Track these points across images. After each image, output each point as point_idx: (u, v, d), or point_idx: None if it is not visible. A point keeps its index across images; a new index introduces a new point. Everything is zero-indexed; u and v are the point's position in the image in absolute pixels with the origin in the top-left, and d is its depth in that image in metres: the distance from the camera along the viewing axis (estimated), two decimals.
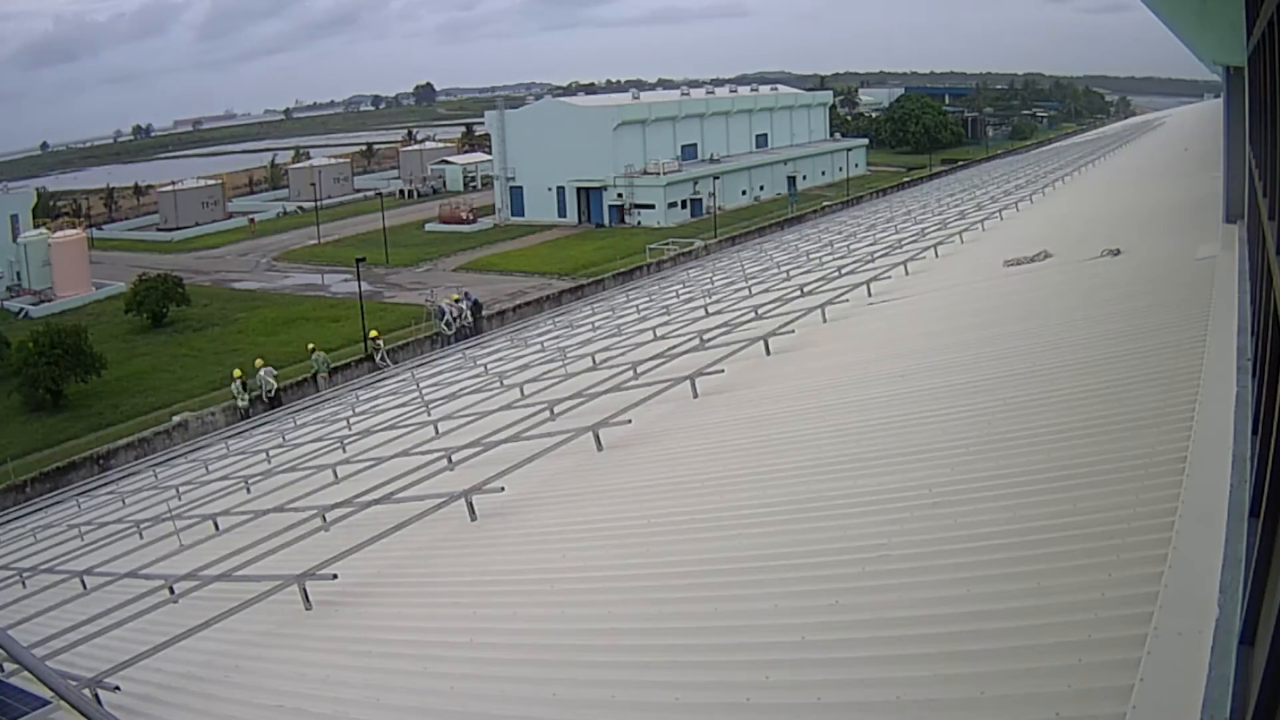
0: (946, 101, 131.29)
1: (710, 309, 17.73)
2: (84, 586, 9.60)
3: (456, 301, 35.25)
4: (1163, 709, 2.76)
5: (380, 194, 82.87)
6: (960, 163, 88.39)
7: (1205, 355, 6.00)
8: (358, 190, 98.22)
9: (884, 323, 11.67)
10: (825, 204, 69.07)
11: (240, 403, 28.45)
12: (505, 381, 15.43)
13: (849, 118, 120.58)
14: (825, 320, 12.39)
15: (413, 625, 5.76)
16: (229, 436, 21.98)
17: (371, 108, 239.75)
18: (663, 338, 15.20)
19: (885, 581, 4.20)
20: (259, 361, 30.23)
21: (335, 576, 6.47)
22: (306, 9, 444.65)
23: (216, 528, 10.51)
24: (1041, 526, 4.22)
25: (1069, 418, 5.69)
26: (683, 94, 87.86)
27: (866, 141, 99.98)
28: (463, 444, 10.22)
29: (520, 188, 74.46)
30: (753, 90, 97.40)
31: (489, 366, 19.20)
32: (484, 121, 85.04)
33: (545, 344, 20.78)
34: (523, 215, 73.83)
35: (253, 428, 22.73)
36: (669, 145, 75.61)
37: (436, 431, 12.54)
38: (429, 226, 73.98)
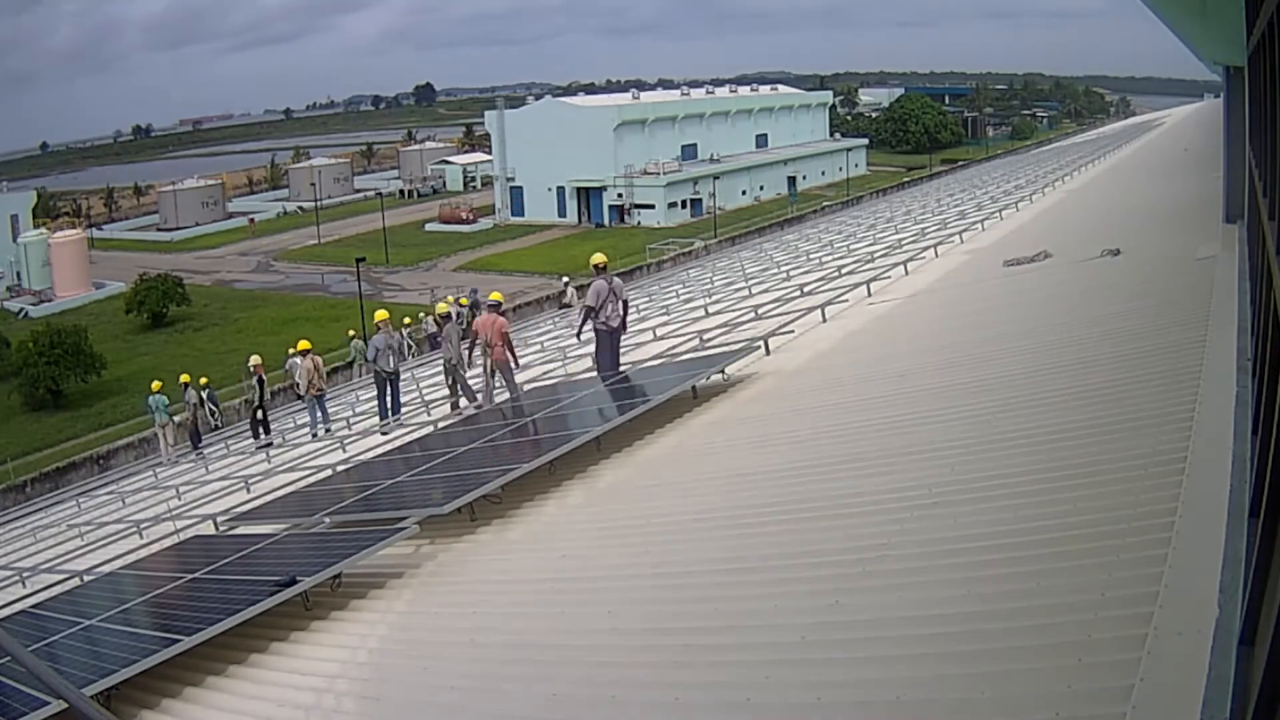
0: (946, 101, 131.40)
1: (710, 309, 17.75)
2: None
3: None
4: (1163, 709, 2.75)
5: (380, 194, 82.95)
6: (960, 163, 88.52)
7: (1205, 355, 5.98)
8: (358, 190, 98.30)
9: (884, 323, 11.66)
10: (825, 204, 69.15)
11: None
12: None
13: (849, 118, 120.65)
14: (825, 320, 12.39)
15: (413, 625, 5.76)
16: (229, 436, 21.99)
17: (371, 108, 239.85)
18: (663, 338, 15.21)
19: (885, 581, 4.19)
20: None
21: (338, 577, 6.49)
22: (308, 9, 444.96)
23: (216, 527, 10.50)
24: (1041, 526, 4.21)
25: (1069, 418, 5.68)
26: (683, 94, 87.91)
27: (866, 142, 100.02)
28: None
29: (520, 188, 74.49)
30: (753, 90, 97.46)
31: None
32: (484, 121, 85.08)
33: (545, 344, 20.81)
34: (523, 215, 73.87)
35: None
36: (669, 145, 75.66)
37: None
38: (429, 226, 74.05)
